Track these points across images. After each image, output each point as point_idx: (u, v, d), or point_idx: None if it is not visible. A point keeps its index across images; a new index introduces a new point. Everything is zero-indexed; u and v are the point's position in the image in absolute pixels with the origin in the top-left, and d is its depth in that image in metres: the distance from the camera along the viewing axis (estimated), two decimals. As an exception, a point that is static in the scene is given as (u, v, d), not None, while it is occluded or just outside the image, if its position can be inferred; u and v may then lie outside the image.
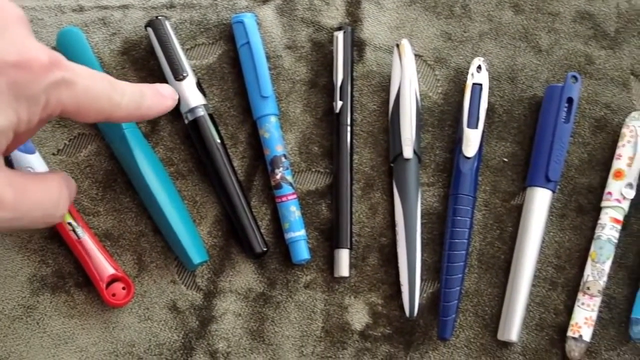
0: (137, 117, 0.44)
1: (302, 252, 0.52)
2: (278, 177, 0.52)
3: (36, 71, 0.36)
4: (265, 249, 0.52)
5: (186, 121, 0.52)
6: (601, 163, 0.54)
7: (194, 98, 0.52)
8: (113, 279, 0.51)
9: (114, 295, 0.50)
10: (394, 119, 0.53)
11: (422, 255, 0.52)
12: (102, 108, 0.40)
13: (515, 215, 0.53)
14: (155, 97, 0.44)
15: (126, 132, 0.51)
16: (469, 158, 0.52)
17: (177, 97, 0.47)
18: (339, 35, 0.54)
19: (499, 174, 0.54)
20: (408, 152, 0.52)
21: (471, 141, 0.52)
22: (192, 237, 0.51)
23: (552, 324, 0.52)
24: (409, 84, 0.52)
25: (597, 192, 0.53)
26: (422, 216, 0.53)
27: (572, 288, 0.52)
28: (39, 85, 0.36)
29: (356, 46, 0.55)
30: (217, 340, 0.51)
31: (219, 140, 0.52)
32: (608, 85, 0.55)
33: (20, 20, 0.38)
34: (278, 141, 0.53)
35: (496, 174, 0.54)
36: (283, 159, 0.52)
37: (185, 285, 0.52)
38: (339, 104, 0.53)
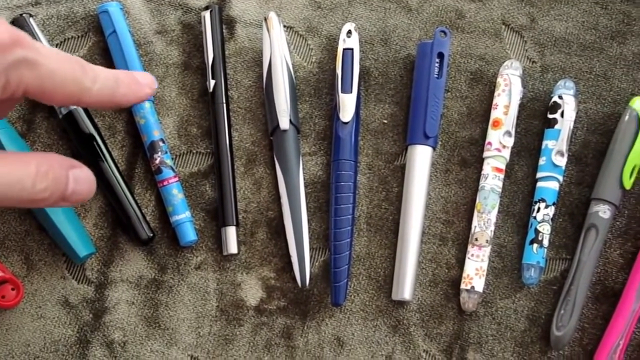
0: (111, 104, 0.42)
1: (189, 234, 0.52)
2: (157, 161, 0.52)
3: None
4: (151, 235, 0.52)
5: (60, 116, 0.52)
6: (480, 115, 0.54)
7: (66, 92, 0.52)
8: (1, 281, 0.50)
9: (3, 297, 0.50)
10: (268, 92, 0.53)
11: (309, 224, 0.52)
12: (69, 92, 0.38)
13: (399, 176, 0.53)
14: (131, 85, 0.42)
15: (-1, 132, 0.50)
16: (346, 123, 0.53)
17: (155, 85, 0.45)
18: (206, 14, 0.54)
19: (380, 136, 0.54)
20: (284, 123, 0.52)
21: (347, 106, 0.53)
22: (77, 230, 0.51)
23: (445, 278, 0.52)
24: (279, 56, 0.52)
25: (479, 144, 0.54)
26: (306, 186, 0.53)
27: (462, 241, 0.53)
28: None
29: (226, 24, 0.55)
30: (112, 331, 0.51)
31: (94, 132, 0.52)
32: (481, 37, 0.55)
33: None
34: (154, 126, 0.53)
35: (377, 137, 0.54)
36: (161, 144, 0.52)
37: (75, 280, 0.52)
38: (212, 83, 0.53)
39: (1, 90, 0.35)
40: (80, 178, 0.39)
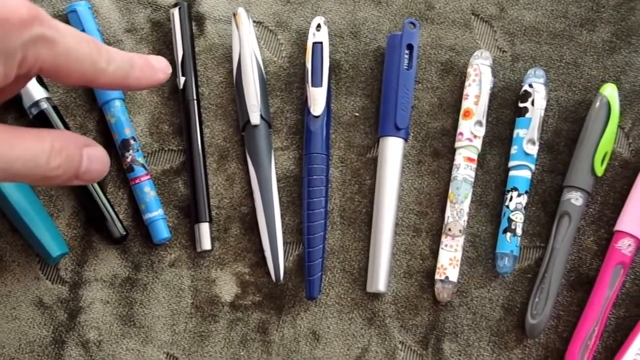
0: (123, 86, 0.41)
1: (162, 231, 0.52)
2: (129, 159, 0.52)
3: (13, 25, 0.33)
4: (124, 233, 0.52)
5: (31, 116, 0.52)
6: (452, 105, 0.54)
7: (36, 91, 0.52)
8: (-25, 283, 0.50)
9: (-23, 299, 0.50)
10: (239, 88, 0.53)
11: (283, 219, 0.53)
12: (84, 71, 0.37)
13: (372, 168, 0.53)
14: (145, 69, 0.41)
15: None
16: (317, 117, 0.53)
17: (169, 71, 0.43)
18: (175, 11, 0.54)
19: (352, 129, 0.54)
20: (255, 118, 0.52)
21: (317, 99, 0.53)
22: (49, 230, 0.51)
23: (420, 269, 0.52)
24: (248, 52, 0.52)
25: (451, 134, 0.54)
26: (279, 180, 0.53)
27: (436, 232, 0.53)
28: (16, 39, 0.34)
29: (196, 21, 0.55)
30: (87, 331, 0.51)
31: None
32: (450, 28, 0.55)
33: None
34: (125, 124, 0.52)
35: (349, 130, 0.54)
36: (132, 142, 0.52)
37: (49, 280, 0.52)
38: (182, 80, 0.53)
39: (18, 66, 0.35)
40: (93, 157, 0.39)
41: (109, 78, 0.39)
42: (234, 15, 0.53)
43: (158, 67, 0.42)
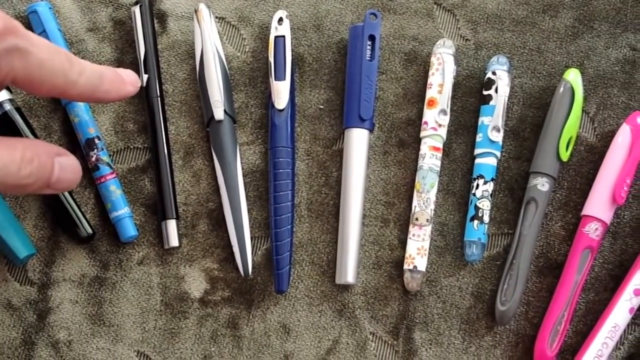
0: (93, 99, 0.42)
1: (129, 229, 0.52)
2: (94, 159, 0.52)
3: None
4: (92, 233, 0.52)
5: (-6, 118, 0.52)
6: (416, 95, 0.54)
7: (-1, 94, 0.52)
8: (-58, 287, 0.50)
9: (-55, 303, 0.50)
10: (202, 84, 0.53)
11: (250, 213, 0.53)
12: (56, 83, 0.38)
13: (338, 160, 0.53)
14: (115, 82, 0.42)
15: None
16: (281, 110, 0.53)
17: (139, 84, 0.44)
18: (136, 9, 0.54)
19: (317, 122, 0.54)
20: (219, 114, 0.52)
21: (281, 93, 0.52)
22: (16, 232, 0.51)
23: (388, 260, 0.52)
24: (210, 47, 0.52)
25: (416, 124, 0.54)
26: (245, 175, 0.53)
27: (404, 222, 0.53)
28: None
29: (158, 18, 0.55)
30: (57, 331, 0.51)
31: (29, 133, 0.52)
32: (413, 17, 0.55)
33: None
34: (89, 124, 0.52)
35: (314, 122, 0.54)
36: (97, 141, 0.52)
37: (18, 282, 0.52)
38: (145, 77, 0.53)
39: None
40: (65, 166, 0.38)
41: (80, 90, 0.39)
42: (196, 11, 0.53)
43: (128, 81, 0.43)
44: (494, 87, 0.52)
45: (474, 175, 0.52)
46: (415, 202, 0.52)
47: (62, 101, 0.53)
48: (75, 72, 0.38)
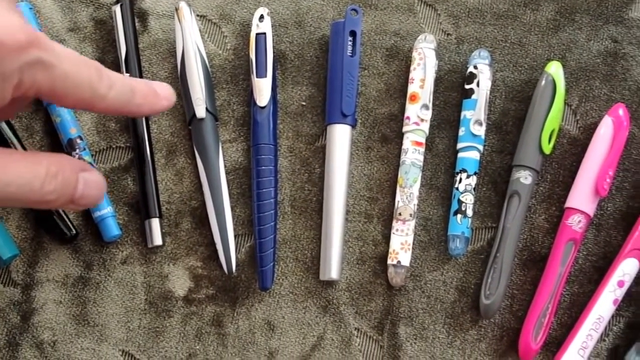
0: (124, 112, 0.41)
1: (112, 228, 0.52)
2: (76, 159, 0.52)
3: (11, 49, 0.33)
4: (75, 233, 0.52)
5: (-25, 120, 0.52)
6: (398, 90, 0.54)
7: (-20, 95, 0.52)
8: None
9: None
10: (183, 82, 0.53)
11: (233, 211, 0.52)
12: (82, 96, 0.37)
13: (321, 157, 0.53)
14: (148, 97, 0.41)
15: None
16: (263, 107, 0.52)
17: (174, 98, 0.42)
18: (117, 8, 0.54)
19: (300, 118, 0.54)
20: (201, 111, 0.52)
21: (262, 90, 0.52)
22: (-1, 233, 0.51)
23: (372, 255, 0.52)
24: (191, 45, 0.52)
25: (399, 119, 0.54)
26: (228, 172, 0.53)
27: (388, 217, 0.53)
28: (12, 63, 0.33)
29: (139, 17, 0.55)
30: (41, 332, 0.51)
31: (11, 133, 0.52)
32: (394, 13, 0.55)
33: None
34: (71, 124, 0.52)
35: (297, 119, 0.54)
36: (79, 141, 0.52)
37: (1, 283, 0.52)
38: (127, 76, 0.53)
39: (13, 89, 0.34)
40: (89, 182, 0.38)
41: (108, 103, 0.38)
42: (176, 9, 0.53)
43: (162, 95, 0.42)
44: (475, 81, 0.52)
45: (457, 170, 0.52)
46: (398, 197, 0.52)
47: (43, 101, 0.53)
48: (104, 86, 0.37)
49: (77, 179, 0.37)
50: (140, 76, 0.53)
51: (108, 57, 0.54)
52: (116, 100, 0.38)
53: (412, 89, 0.53)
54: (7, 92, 0.34)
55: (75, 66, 0.36)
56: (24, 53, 0.34)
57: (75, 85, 0.36)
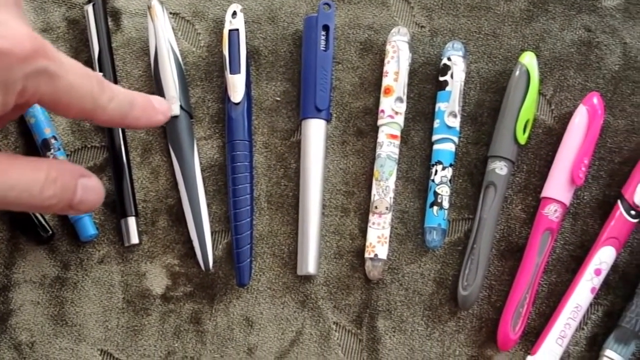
0: (122, 125, 0.41)
1: (88, 228, 0.52)
2: (51, 159, 0.52)
3: (17, 57, 0.33)
4: (51, 233, 0.52)
5: (-51, 122, 0.52)
6: (373, 84, 0.54)
7: (-47, 98, 0.51)
8: None
9: None
10: (157, 80, 0.53)
11: (210, 208, 0.52)
12: (83, 107, 0.37)
13: (296, 152, 0.53)
14: (146, 110, 0.41)
15: None
16: (237, 104, 0.52)
17: (170, 113, 0.43)
18: (89, 8, 0.54)
19: (275, 114, 0.54)
20: (175, 109, 0.52)
21: (236, 86, 0.52)
22: (-26, 235, 0.51)
23: (350, 249, 0.52)
24: (164, 44, 0.52)
25: (374, 113, 0.54)
26: (204, 170, 0.53)
27: (364, 211, 0.53)
28: (18, 71, 0.33)
29: (112, 16, 0.55)
30: (19, 333, 0.51)
31: (-15, 135, 0.52)
32: (368, 7, 0.55)
33: (10, 1, 0.35)
34: (45, 124, 0.52)
35: (272, 115, 0.54)
36: (53, 141, 0.52)
37: (-22, 285, 0.52)
38: (100, 75, 0.53)
39: (16, 96, 0.34)
40: (88, 187, 0.38)
41: (109, 115, 0.39)
42: (149, 8, 0.53)
43: (160, 109, 0.42)
44: (449, 73, 0.52)
45: (433, 162, 0.52)
46: (374, 191, 0.52)
47: (17, 102, 0.53)
48: (105, 98, 0.38)
49: (76, 184, 0.37)
50: (114, 75, 0.53)
51: (81, 57, 0.54)
52: (116, 112, 0.39)
53: (386, 82, 0.53)
54: (10, 98, 0.34)
55: (79, 78, 0.36)
56: (30, 62, 0.34)
57: (78, 97, 0.36)
